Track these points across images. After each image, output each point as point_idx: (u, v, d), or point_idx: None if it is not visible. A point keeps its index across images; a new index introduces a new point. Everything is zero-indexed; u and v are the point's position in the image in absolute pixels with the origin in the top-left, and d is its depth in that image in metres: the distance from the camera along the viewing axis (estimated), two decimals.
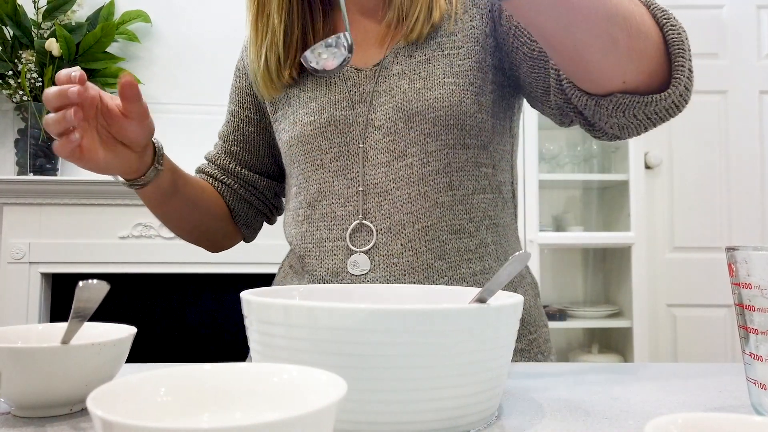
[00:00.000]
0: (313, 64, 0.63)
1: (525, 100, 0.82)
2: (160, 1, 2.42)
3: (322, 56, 0.63)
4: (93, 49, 2.24)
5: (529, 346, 0.77)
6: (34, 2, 2.24)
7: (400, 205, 0.73)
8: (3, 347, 0.43)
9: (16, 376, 0.44)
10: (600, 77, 0.59)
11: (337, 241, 0.75)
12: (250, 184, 0.91)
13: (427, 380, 0.39)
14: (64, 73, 0.60)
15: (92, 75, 2.27)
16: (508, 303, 0.42)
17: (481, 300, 0.43)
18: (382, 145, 0.74)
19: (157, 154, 0.73)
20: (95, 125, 0.65)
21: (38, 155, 2.19)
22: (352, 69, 0.77)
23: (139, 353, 2.25)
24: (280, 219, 0.95)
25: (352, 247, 0.74)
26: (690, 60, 0.59)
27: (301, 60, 0.64)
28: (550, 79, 0.69)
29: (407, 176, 0.73)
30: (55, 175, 2.23)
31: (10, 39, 2.21)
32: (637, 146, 2.42)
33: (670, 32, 0.59)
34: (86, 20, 2.29)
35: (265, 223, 0.97)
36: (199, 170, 0.92)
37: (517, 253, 0.41)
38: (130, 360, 0.59)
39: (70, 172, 2.31)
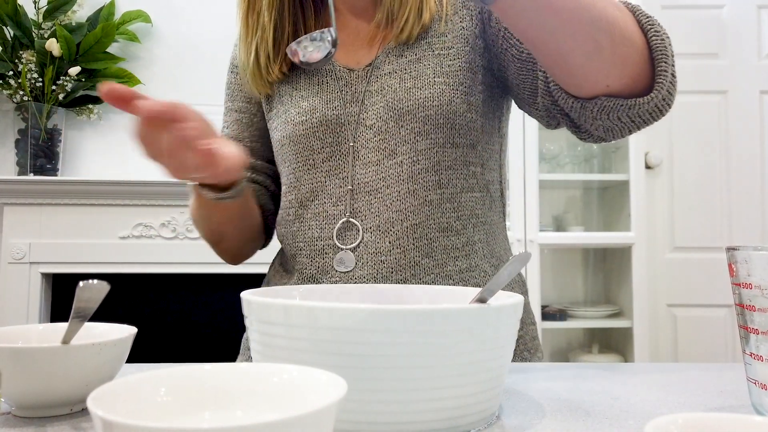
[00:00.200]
0: (299, 56, 0.64)
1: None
2: (160, 1, 2.42)
3: (308, 49, 0.65)
4: (93, 49, 2.24)
5: (515, 343, 0.77)
6: (35, 2, 2.25)
7: (389, 203, 0.73)
8: (3, 347, 0.43)
9: (17, 376, 0.44)
10: (584, 81, 0.60)
11: (326, 239, 0.75)
12: (276, 178, 0.88)
13: (427, 380, 0.39)
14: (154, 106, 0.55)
15: (92, 75, 2.27)
16: (508, 303, 0.42)
17: (482, 300, 0.43)
18: (373, 144, 0.74)
19: None
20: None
21: (38, 155, 2.19)
22: (345, 69, 0.77)
23: (140, 353, 2.25)
24: None
25: (339, 245, 0.74)
26: (673, 66, 0.61)
27: (287, 51, 0.66)
28: (537, 81, 0.70)
29: (397, 174, 0.73)
30: (56, 175, 2.23)
31: (10, 39, 2.21)
32: (637, 146, 2.42)
33: (653, 38, 0.60)
34: (86, 20, 2.30)
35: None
36: None
37: (517, 253, 0.41)
38: (130, 360, 0.59)
39: (70, 172, 2.31)
